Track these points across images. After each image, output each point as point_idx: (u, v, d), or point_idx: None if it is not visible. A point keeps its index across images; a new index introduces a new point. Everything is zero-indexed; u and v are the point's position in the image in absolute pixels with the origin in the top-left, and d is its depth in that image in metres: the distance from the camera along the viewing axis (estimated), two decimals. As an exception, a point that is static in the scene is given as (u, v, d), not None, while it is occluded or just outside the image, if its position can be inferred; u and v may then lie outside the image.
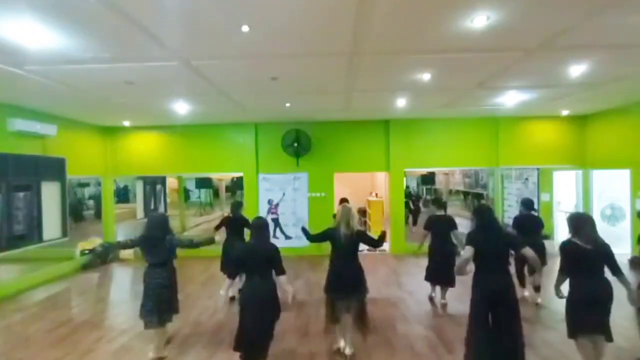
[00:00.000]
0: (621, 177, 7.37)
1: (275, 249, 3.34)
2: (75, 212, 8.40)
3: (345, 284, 3.60)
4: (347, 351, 3.70)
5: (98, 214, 8.77)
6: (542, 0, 2.98)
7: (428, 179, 12.33)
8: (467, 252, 3.24)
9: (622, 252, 6.67)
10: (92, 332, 4.45)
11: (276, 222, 8.59)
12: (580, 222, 3.10)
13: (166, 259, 3.72)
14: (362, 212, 11.17)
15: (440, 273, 5.05)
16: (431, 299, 5.35)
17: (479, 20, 3.27)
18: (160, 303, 3.65)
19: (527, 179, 8.43)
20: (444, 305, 5.09)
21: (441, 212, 5.27)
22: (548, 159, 8.39)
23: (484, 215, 3.37)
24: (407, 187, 11.98)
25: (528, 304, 5.03)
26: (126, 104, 6.27)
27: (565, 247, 3.10)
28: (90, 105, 6.36)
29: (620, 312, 4.01)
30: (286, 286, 3.30)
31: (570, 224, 3.17)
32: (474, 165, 8.92)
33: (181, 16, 3.14)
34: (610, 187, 7.88)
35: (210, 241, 3.91)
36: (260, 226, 3.40)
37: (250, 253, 3.33)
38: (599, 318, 3.02)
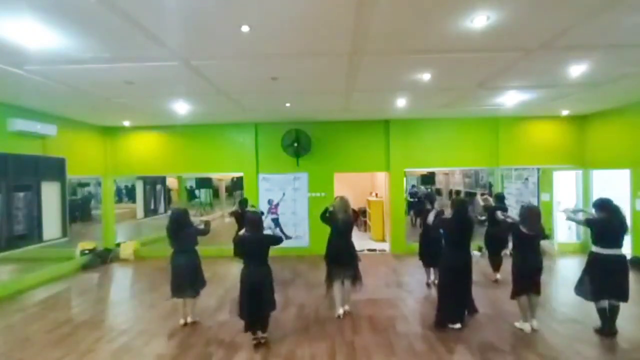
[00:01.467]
0: (621, 177, 7.37)
1: (266, 238, 4.08)
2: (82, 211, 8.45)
3: (340, 256, 4.64)
4: (345, 308, 4.78)
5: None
6: (542, 1, 2.98)
7: (428, 179, 12.33)
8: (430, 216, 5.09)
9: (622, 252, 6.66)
10: (92, 332, 4.45)
11: (276, 222, 8.59)
12: (527, 213, 4.18)
13: (189, 247, 4.54)
14: (362, 212, 11.17)
15: (431, 256, 5.65)
16: (428, 284, 5.98)
17: (479, 20, 3.27)
18: (190, 279, 4.50)
19: (527, 179, 8.43)
20: (433, 284, 5.85)
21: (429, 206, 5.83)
22: (548, 159, 8.39)
23: (459, 206, 4.38)
24: (413, 186, 11.98)
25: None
26: (126, 104, 6.27)
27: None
28: (90, 105, 6.36)
29: (621, 311, 4.03)
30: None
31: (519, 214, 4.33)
32: (474, 165, 8.92)
33: (181, 16, 3.14)
34: (610, 187, 7.88)
35: (208, 224, 4.85)
36: (253, 220, 4.04)
37: (246, 242, 3.97)
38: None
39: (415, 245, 5.95)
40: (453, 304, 4.28)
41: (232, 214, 6.52)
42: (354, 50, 3.98)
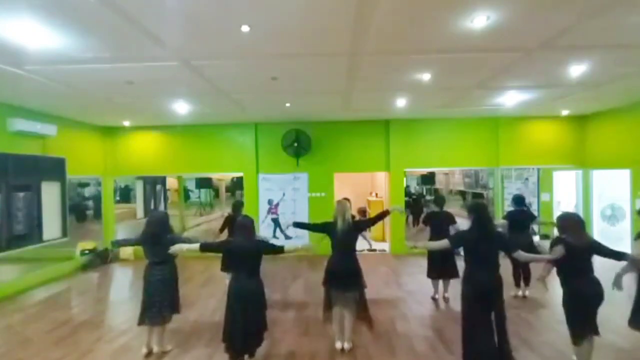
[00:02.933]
0: (621, 177, 7.37)
1: (260, 244, 3.56)
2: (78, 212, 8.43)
3: (339, 278, 3.71)
4: (345, 346, 3.81)
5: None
6: (542, 0, 2.98)
7: (428, 179, 12.32)
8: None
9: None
10: (92, 332, 4.45)
11: (276, 222, 8.59)
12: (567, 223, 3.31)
13: (167, 257, 3.71)
14: (362, 212, 11.16)
15: (441, 266, 5.13)
16: (434, 299, 5.34)
17: (479, 20, 3.27)
18: (160, 300, 3.69)
19: (527, 179, 8.44)
20: (447, 299, 5.24)
21: (437, 209, 5.38)
22: (548, 159, 8.39)
23: (480, 212, 3.37)
24: (407, 186, 11.96)
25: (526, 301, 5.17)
26: (126, 104, 6.27)
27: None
28: (90, 105, 6.36)
29: (619, 311, 4.02)
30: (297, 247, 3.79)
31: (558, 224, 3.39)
32: (474, 165, 8.92)
33: (181, 16, 3.14)
34: (610, 187, 7.88)
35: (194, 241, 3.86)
36: (245, 225, 3.49)
37: (236, 250, 3.43)
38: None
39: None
40: (483, 341, 3.16)
41: (225, 222, 5.49)
42: (354, 50, 3.98)
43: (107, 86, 5.18)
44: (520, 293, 5.31)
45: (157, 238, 3.67)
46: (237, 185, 12.37)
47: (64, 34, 3.40)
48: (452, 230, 5.06)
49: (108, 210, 8.75)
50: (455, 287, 5.17)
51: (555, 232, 3.51)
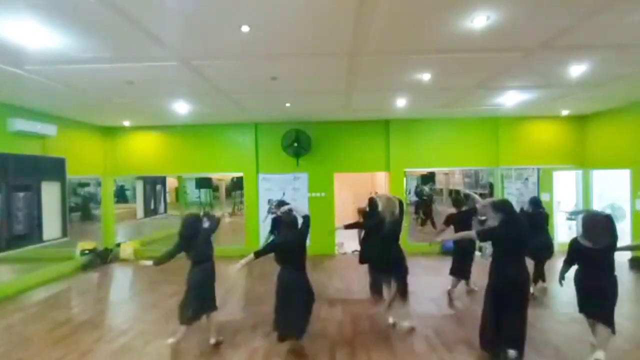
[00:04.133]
0: (621, 177, 7.37)
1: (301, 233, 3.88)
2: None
3: (387, 263, 4.42)
4: (390, 320, 4.43)
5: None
6: (542, 1, 2.98)
7: (428, 179, 12.32)
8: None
9: (622, 252, 6.67)
10: (92, 332, 4.44)
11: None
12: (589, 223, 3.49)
13: (206, 257, 3.97)
14: (362, 213, 11.16)
15: (463, 267, 5.44)
16: (449, 293, 5.53)
17: (479, 20, 3.27)
18: (202, 298, 3.89)
19: (527, 179, 8.44)
20: (470, 291, 5.59)
21: (457, 210, 5.55)
22: (548, 159, 8.39)
23: (507, 208, 3.60)
24: (418, 185, 11.97)
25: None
26: (126, 104, 6.27)
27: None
28: (90, 105, 6.36)
29: (621, 311, 4.02)
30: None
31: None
32: (474, 165, 8.92)
33: (181, 16, 3.14)
34: (610, 187, 7.88)
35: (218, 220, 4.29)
36: (290, 222, 3.88)
37: (284, 245, 3.78)
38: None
39: (416, 246, 5.67)
40: (501, 330, 3.48)
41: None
42: (354, 50, 3.98)
43: (107, 86, 5.18)
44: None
45: (192, 239, 3.89)
46: (237, 185, 12.37)
47: (64, 34, 3.40)
48: (474, 225, 5.21)
49: (108, 210, 8.74)
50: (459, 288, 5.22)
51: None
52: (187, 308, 3.84)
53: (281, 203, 5.74)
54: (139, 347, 4.01)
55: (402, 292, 4.41)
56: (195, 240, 3.89)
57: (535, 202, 5.65)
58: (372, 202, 5.37)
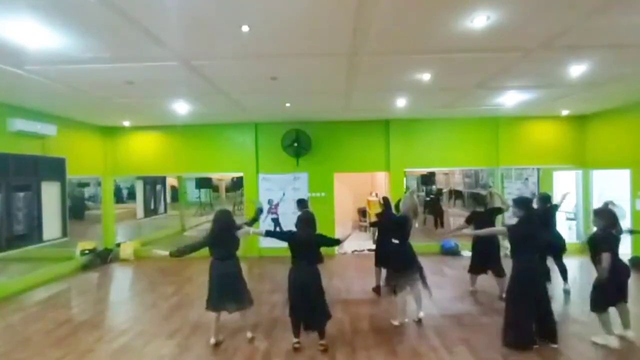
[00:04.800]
0: (621, 177, 7.36)
1: (316, 236, 3.99)
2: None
3: (410, 261, 4.53)
4: (421, 314, 4.57)
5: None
6: (542, 1, 2.98)
7: (428, 179, 12.32)
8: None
9: (622, 252, 6.66)
10: (92, 332, 4.45)
11: (276, 222, 8.59)
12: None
13: (232, 252, 4.06)
14: (362, 212, 11.17)
15: (489, 260, 5.38)
16: (473, 292, 5.55)
17: (479, 20, 3.27)
18: (228, 289, 3.98)
19: (527, 179, 8.43)
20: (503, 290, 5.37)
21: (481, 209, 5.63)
22: (548, 159, 8.39)
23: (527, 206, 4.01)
24: (426, 182, 11.93)
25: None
26: (126, 104, 6.27)
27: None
28: (90, 105, 6.36)
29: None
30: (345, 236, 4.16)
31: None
32: (474, 165, 8.92)
33: (181, 16, 3.14)
34: (610, 187, 7.88)
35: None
36: (306, 219, 3.99)
37: (297, 242, 3.91)
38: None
39: (416, 245, 5.62)
40: (525, 320, 3.78)
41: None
42: (354, 50, 3.98)
43: (107, 86, 5.17)
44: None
45: (226, 234, 3.99)
46: (237, 185, 12.37)
47: (64, 34, 3.40)
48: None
49: (108, 210, 8.74)
50: (451, 291, 5.20)
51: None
52: (212, 299, 4.01)
53: (301, 202, 6.02)
54: (139, 347, 4.02)
55: (425, 284, 4.59)
56: (227, 235, 4.00)
57: (544, 199, 5.67)
58: (386, 201, 5.50)
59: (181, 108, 6.64)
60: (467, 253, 7.43)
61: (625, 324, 3.87)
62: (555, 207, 5.63)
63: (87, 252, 7.86)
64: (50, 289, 6.33)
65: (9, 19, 3.09)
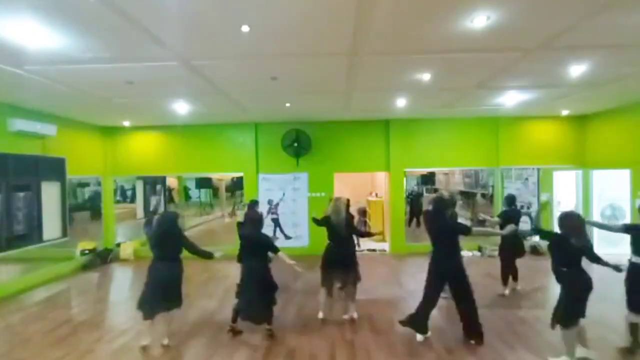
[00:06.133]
0: (621, 177, 7.36)
1: (264, 236, 4.26)
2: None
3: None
4: (354, 315, 4.63)
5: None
6: (542, 1, 2.98)
7: (428, 179, 12.32)
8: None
9: (622, 252, 6.65)
10: (92, 332, 4.45)
11: (276, 222, 8.59)
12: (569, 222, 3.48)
13: (173, 254, 3.97)
14: (362, 212, 11.15)
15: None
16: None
17: (479, 20, 3.27)
18: (162, 293, 3.90)
19: (527, 179, 8.44)
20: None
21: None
22: (548, 159, 8.39)
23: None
24: (439, 188, 11.83)
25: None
26: (126, 104, 6.27)
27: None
28: (90, 105, 6.36)
29: (622, 312, 4.02)
30: (287, 260, 4.11)
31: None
32: (474, 165, 8.92)
33: (181, 16, 3.14)
34: (610, 187, 7.88)
35: (208, 256, 4.19)
36: (253, 219, 4.29)
37: (246, 240, 4.21)
38: None
39: (416, 245, 5.61)
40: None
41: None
42: (354, 50, 3.98)
43: (107, 86, 5.18)
44: (507, 292, 5.47)
45: (165, 236, 3.92)
46: (237, 185, 12.37)
47: (64, 34, 3.40)
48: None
49: (108, 210, 8.74)
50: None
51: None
52: (146, 303, 3.99)
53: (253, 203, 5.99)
54: (139, 347, 4.01)
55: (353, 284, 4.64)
56: (169, 238, 3.96)
57: (510, 200, 5.73)
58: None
59: (181, 108, 6.64)
60: (467, 253, 7.44)
61: (584, 343, 3.51)
62: (519, 210, 5.67)
63: (87, 252, 7.86)
64: (50, 289, 6.33)
65: (9, 19, 3.09)
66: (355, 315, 4.63)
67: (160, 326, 4.01)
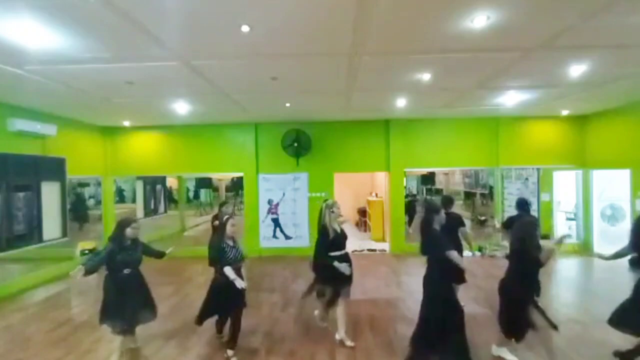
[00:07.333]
0: (621, 177, 7.37)
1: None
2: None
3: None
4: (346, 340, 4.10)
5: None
6: (542, 1, 2.98)
7: (428, 179, 12.32)
8: None
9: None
10: (92, 332, 4.44)
11: (276, 222, 8.59)
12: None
13: (135, 265, 3.73)
14: (362, 212, 11.17)
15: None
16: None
17: (479, 20, 3.27)
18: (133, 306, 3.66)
19: (527, 179, 8.44)
20: None
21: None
22: (548, 159, 8.39)
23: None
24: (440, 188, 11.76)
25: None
26: (126, 104, 6.27)
27: None
28: (90, 105, 6.36)
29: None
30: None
31: None
32: (474, 165, 8.92)
33: (181, 16, 3.14)
34: (610, 187, 7.88)
35: (160, 255, 4.03)
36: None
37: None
38: None
39: (416, 245, 5.25)
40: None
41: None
42: (354, 50, 3.98)
43: (107, 86, 5.18)
44: None
45: (126, 244, 3.66)
46: (237, 185, 12.36)
47: (64, 34, 3.40)
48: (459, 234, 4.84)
49: (108, 210, 8.74)
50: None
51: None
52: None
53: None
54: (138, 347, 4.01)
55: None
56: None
57: (520, 205, 5.26)
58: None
59: (181, 108, 6.64)
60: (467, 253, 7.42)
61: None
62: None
63: (87, 252, 7.85)
64: (50, 289, 6.33)
65: (9, 19, 3.09)
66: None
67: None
